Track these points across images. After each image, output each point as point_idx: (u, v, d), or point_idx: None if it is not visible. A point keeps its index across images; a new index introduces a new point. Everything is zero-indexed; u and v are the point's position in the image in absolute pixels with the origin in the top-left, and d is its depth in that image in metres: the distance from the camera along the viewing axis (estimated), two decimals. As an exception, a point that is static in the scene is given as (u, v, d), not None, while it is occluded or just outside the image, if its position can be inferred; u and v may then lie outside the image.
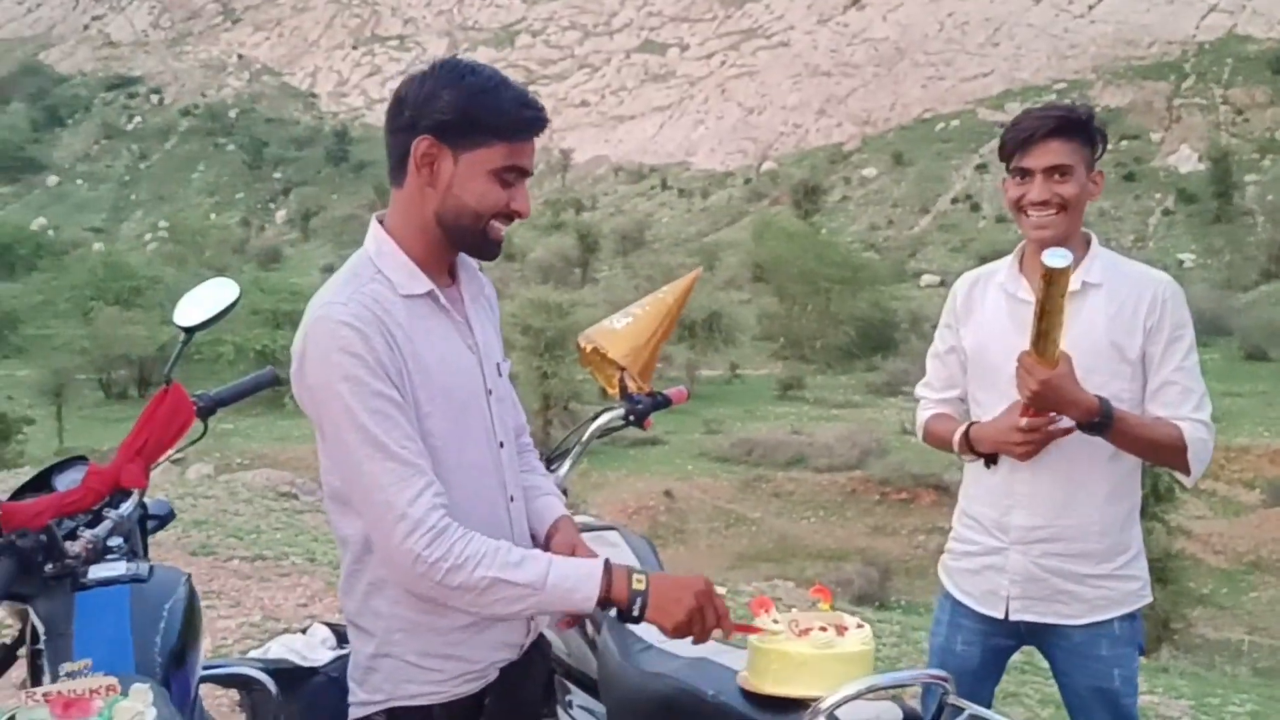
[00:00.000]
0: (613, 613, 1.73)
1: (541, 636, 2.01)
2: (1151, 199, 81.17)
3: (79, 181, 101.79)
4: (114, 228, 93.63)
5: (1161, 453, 2.38)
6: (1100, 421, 2.26)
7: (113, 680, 1.62)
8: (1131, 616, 2.44)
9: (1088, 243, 2.43)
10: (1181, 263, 68.14)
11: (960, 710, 1.84)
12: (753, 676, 1.94)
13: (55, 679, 1.85)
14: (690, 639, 1.75)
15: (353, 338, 1.67)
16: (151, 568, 2.30)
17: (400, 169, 1.77)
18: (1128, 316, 2.36)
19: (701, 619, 1.72)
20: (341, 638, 4.08)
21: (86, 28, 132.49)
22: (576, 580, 1.70)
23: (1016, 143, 2.38)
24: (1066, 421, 2.30)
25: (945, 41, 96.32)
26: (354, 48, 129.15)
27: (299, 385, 1.74)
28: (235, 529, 7.44)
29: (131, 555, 2.33)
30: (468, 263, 1.92)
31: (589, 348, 3.05)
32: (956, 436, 2.49)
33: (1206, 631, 19.28)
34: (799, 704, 1.84)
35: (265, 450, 27.78)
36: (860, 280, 52.72)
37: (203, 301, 2.56)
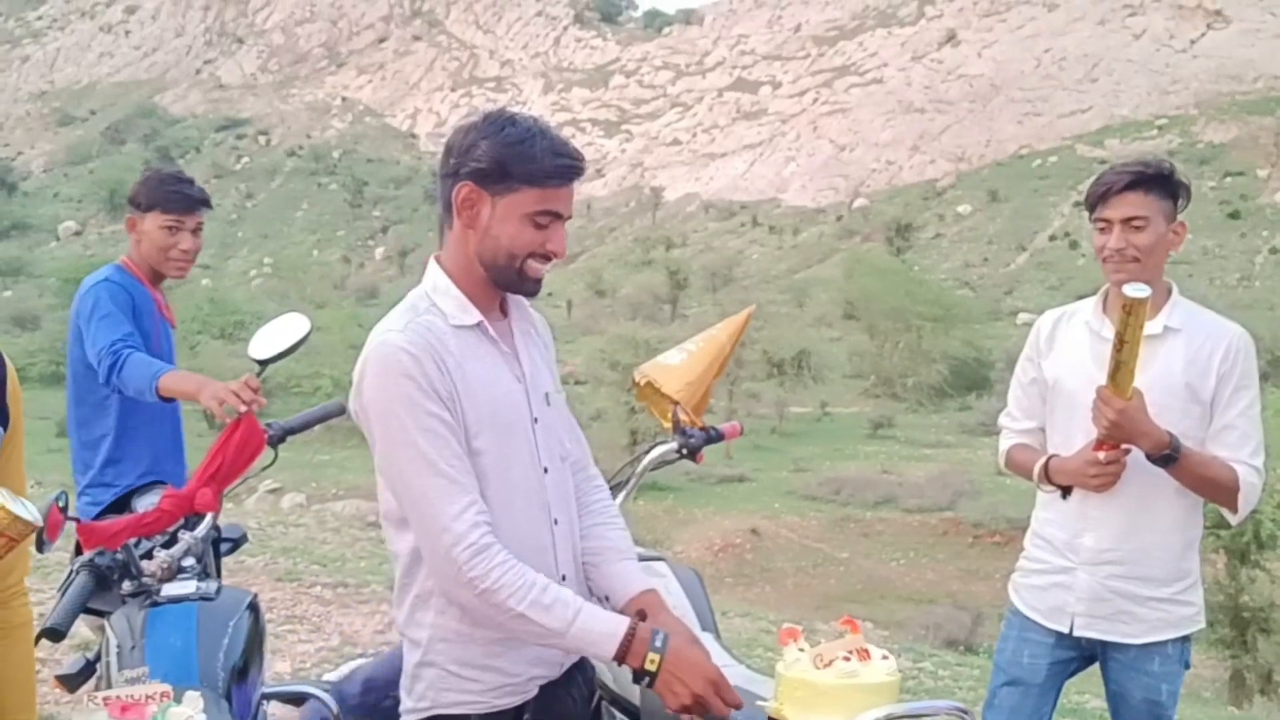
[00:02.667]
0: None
1: (586, 660, 2.08)
2: (1258, 236, 78.56)
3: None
4: (221, 264, 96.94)
5: (1216, 490, 2.54)
6: (1169, 455, 2.43)
7: (166, 687, 1.74)
8: (1185, 638, 2.62)
9: (1169, 291, 2.59)
10: (1290, 302, 65.71)
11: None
12: (779, 705, 1.99)
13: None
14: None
15: (408, 362, 1.82)
16: (220, 587, 2.43)
17: (449, 212, 1.93)
18: (1203, 361, 2.53)
19: (704, 707, 1.79)
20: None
21: (198, 71, 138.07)
22: (599, 637, 1.79)
23: (1096, 195, 2.59)
24: (1135, 451, 2.46)
25: (1042, 77, 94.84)
26: (453, 89, 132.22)
27: (357, 405, 1.90)
28: (321, 556, 7.65)
29: (204, 575, 2.46)
30: (520, 299, 2.05)
31: (644, 382, 3.14)
32: (1037, 468, 2.66)
33: (1315, 687, 18.45)
34: (821, 733, 1.89)
35: (359, 481, 28.34)
36: (953, 318, 51.91)
37: (276, 335, 2.71)
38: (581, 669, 2.06)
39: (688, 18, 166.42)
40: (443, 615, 1.89)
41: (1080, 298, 2.76)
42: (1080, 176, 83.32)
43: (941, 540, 28.95)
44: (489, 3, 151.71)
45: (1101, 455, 2.49)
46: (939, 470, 32.77)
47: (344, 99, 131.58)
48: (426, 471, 1.81)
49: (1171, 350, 2.55)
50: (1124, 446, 2.47)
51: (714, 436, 3.11)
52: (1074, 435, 2.60)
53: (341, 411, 3.12)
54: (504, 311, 2.01)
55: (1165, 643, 2.61)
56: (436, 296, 1.93)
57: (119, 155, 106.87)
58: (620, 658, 1.78)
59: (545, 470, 1.96)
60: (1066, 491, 2.62)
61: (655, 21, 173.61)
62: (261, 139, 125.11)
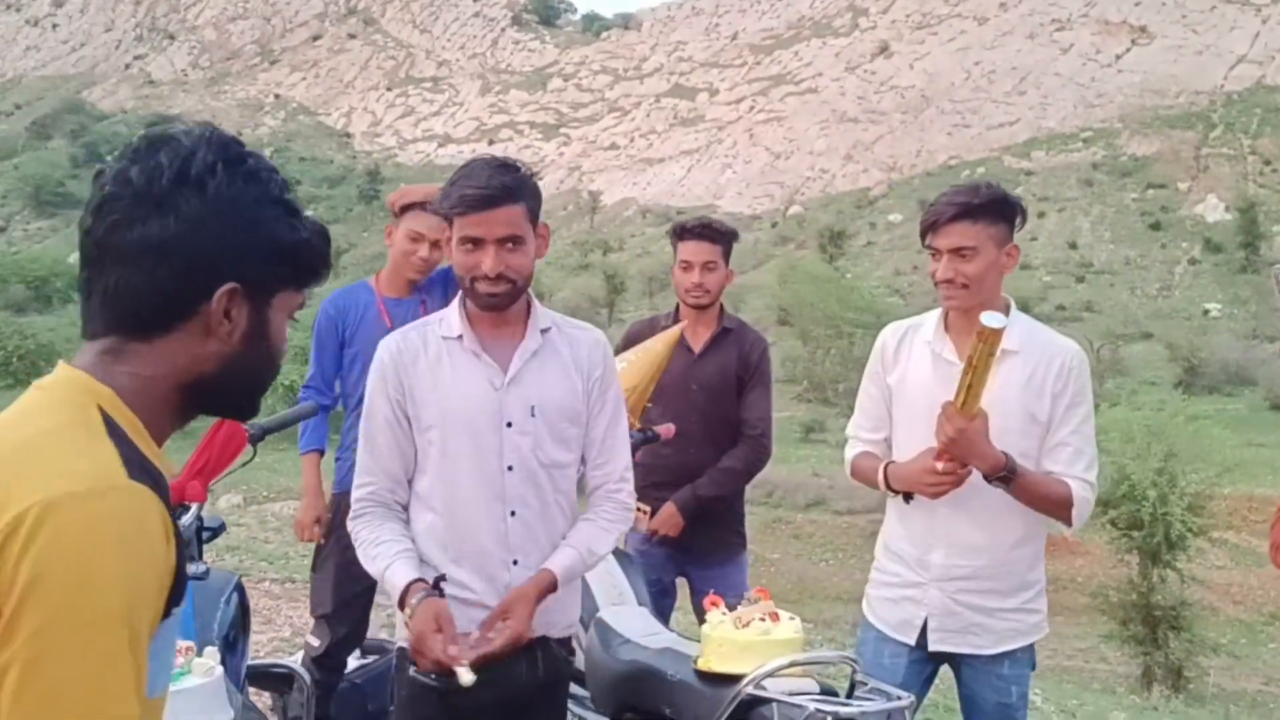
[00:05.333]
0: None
1: (550, 643, 2.34)
2: (1178, 248, 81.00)
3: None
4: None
5: (1052, 506, 2.59)
6: (1004, 476, 2.48)
7: (190, 643, 2.05)
8: (1030, 645, 2.70)
9: (1007, 309, 2.59)
10: (1207, 312, 67.90)
11: (865, 684, 2.25)
12: (705, 659, 2.36)
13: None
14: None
15: (379, 361, 2.31)
16: (208, 569, 2.73)
17: None
18: (1038, 382, 2.57)
19: (426, 647, 2.09)
20: (365, 649, 4.52)
21: (128, 67, 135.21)
22: (392, 588, 2.20)
23: (926, 224, 2.64)
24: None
25: (972, 90, 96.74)
26: (388, 89, 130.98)
27: None
28: (266, 554, 7.87)
29: (192, 559, 2.76)
30: (562, 328, 2.37)
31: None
32: (879, 474, 2.69)
33: (1223, 681, 19.26)
34: (739, 679, 2.26)
35: (290, 484, 28.33)
36: (884, 325, 52.59)
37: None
38: (533, 649, 2.29)
39: (626, 23, 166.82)
40: None
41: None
42: (1009, 187, 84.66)
43: (869, 541, 29.11)
44: (425, 2, 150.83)
45: (940, 465, 2.50)
46: (868, 474, 33.40)
47: (277, 96, 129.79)
48: (363, 445, 2.33)
49: (1010, 371, 2.57)
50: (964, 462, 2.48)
51: (650, 437, 3.46)
52: (915, 446, 2.61)
53: (314, 413, 3.43)
54: (524, 331, 2.31)
55: (1015, 650, 2.65)
56: (446, 311, 2.34)
57: (44, 151, 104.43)
58: (400, 605, 2.18)
59: (510, 469, 2.27)
60: (908, 497, 2.64)
61: (594, 26, 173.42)
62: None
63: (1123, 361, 50.99)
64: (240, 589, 2.76)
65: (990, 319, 2.30)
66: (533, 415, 2.27)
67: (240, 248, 1.21)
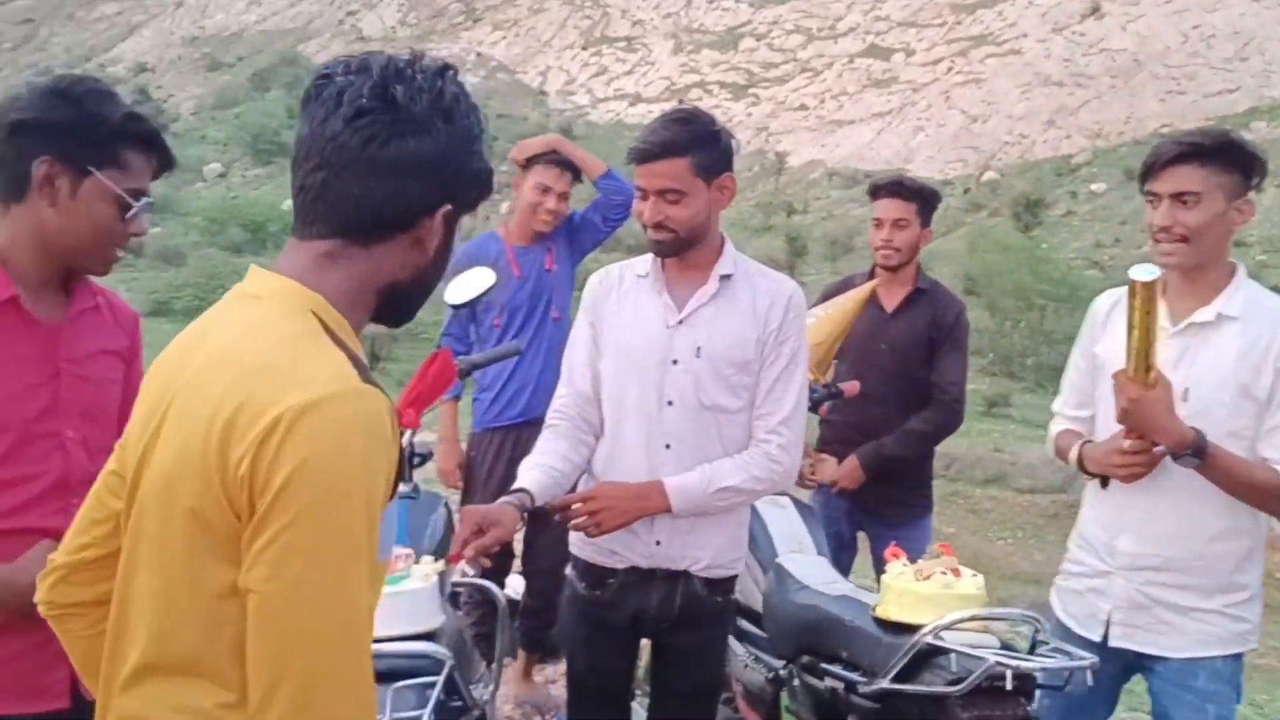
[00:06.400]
0: None
1: (683, 576, 2.51)
2: None
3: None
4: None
5: (1256, 494, 2.32)
6: (1192, 453, 2.23)
7: (410, 551, 2.26)
8: (1236, 656, 2.42)
9: (1232, 274, 2.37)
10: None
11: (1047, 644, 2.27)
12: (883, 607, 2.43)
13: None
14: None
15: (588, 288, 2.58)
16: (417, 488, 2.96)
17: None
18: (1259, 355, 2.30)
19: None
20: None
21: (341, 22, 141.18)
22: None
23: (1145, 166, 2.38)
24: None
25: (1188, 55, 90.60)
26: (583, 48, 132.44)
27: None
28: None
29: (404, 480, 2.99)
30: (751, 279, 2.49)
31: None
32: (1072, 454, 2.54)
33: None
34: (918, 629, 2.32)
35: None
36: (1079, 299, 50.32)
37: (466, 285, 3.22)
38: (672, 580, 2.48)
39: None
40: None
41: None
42: (1226, 158, 79.36)
43: (1051, 522, 28.51)
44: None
45: (1127, 443, 2.32)
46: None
47: (478, 54, 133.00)
48: (564, 364, 2.60)
49: (1225, 339, 2.31)
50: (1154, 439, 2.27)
51: (835, 393, 3.52)
52: (1111, 423, 2.41)
53: (517, 352, 3.64)
54: (706, 276, 2.47)
55: (1213, 658, 2.38)
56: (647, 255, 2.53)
57: (263, 101, 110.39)
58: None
59: (670, 404, 2.41)
60: (1105, 481, 2.47)
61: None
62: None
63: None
64: (447, 508, 2.98)
65: (1140, 271, 2.14)
66: (698, 356, 2.41)
67: (466, 173, 1.37)
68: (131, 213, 1.93)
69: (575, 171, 4.05)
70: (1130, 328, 2.20)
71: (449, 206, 1.37)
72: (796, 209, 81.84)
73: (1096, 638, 2.49)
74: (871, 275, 3.84)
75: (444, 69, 1.37)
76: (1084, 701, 2.53)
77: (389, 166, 1.30)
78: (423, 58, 1.38)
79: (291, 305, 1.29)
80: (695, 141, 2.35)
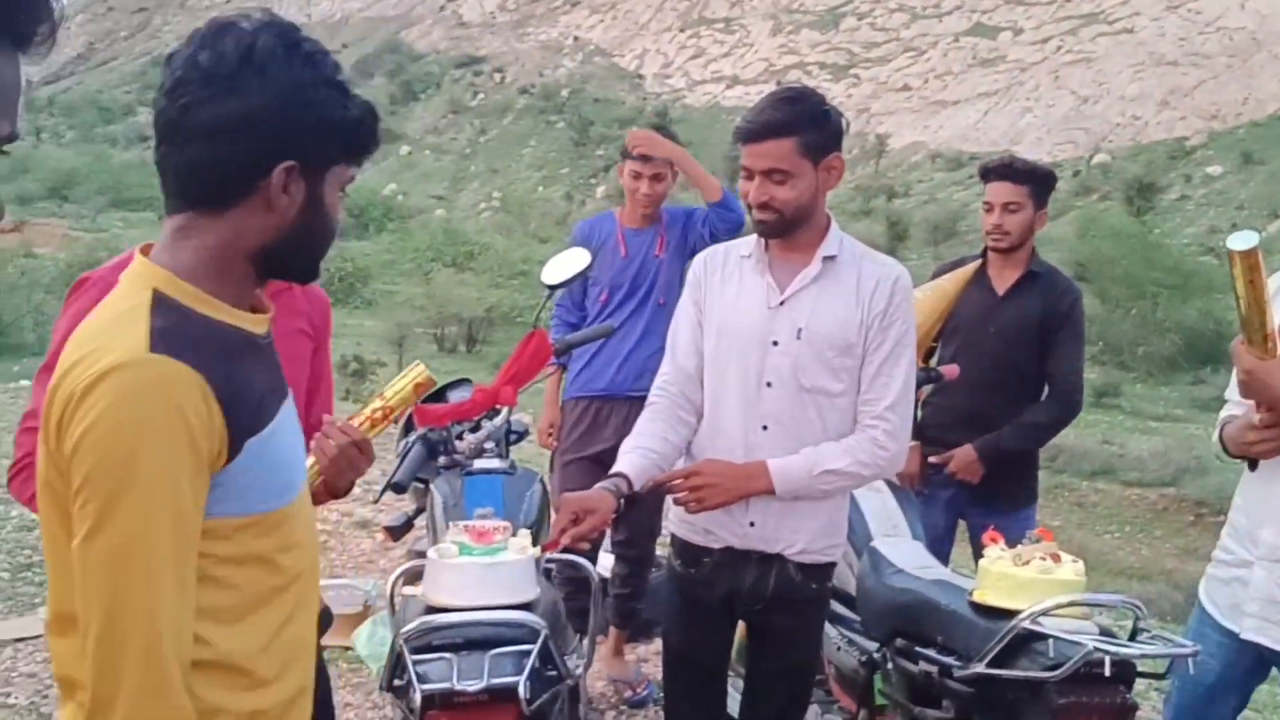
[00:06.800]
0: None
1: (777, 559, 2.50)
2: None
3: (426, 152, 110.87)
4: (454, 196, 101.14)
5: None
6: None
7: (507, 524, 2.30)
8: None
9: None
10: None
11: (1149, 631, 2.22)
12: (981, 592, 2.40)
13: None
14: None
15: (694, 267, 2.59)
16: (514, 464, 3.01)
17: None
18: None
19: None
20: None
21: (442, 9, 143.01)
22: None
23: None
24: None
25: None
26: (681, 30, 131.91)
27: None
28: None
29: (502, 455, 3.05)
30: (857, 261, 2.46)
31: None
32: (1214, 437, 2.41)
33: None
34: (1015, 614, 2.29)
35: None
36: (1193, 287, 48.73)
37: (562, 265, 3.26)
38: (766, 563, 2.48)
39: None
40: None
41: None
42: (1352, 140, 76.07)
43: (1160, 516, 27.74)
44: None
45: (1257, 417, 2.18)
46: (1164, 444, 31.17)
47: (576, 38, 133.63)
48: (668, 343, 2.60)
49: None
50: None
51: (934, 377, 3.47)
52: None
53: (611, 333, 3.67)
54: (810, 258, 2.44)
55: None
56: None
57: (367, 88, 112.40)
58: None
59: (768, 385, 2.41)
60: (1253, 463, 2.33)
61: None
62: (497, 76, 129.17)
63: None
64: (542, 484, 3.03)
65: (1237, 240, 2.02)
66: (798, 338, 2.38)
67: (298, 126, 1.35)
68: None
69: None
70: (1237, 297, 2.10)
71: (290, 162, 1.35)
72: (897, 192, 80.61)
73: (1238, 629, 2.36)
74: (983, 257, 3.76)
75: (264, 26, 1.36)
76: (1212, 692, 2.44)
77: (207, 132, 1.32)
78: (249, 19, 1.38)
79: (133, 284, 1.36)
80: (803, 121, 2.32)
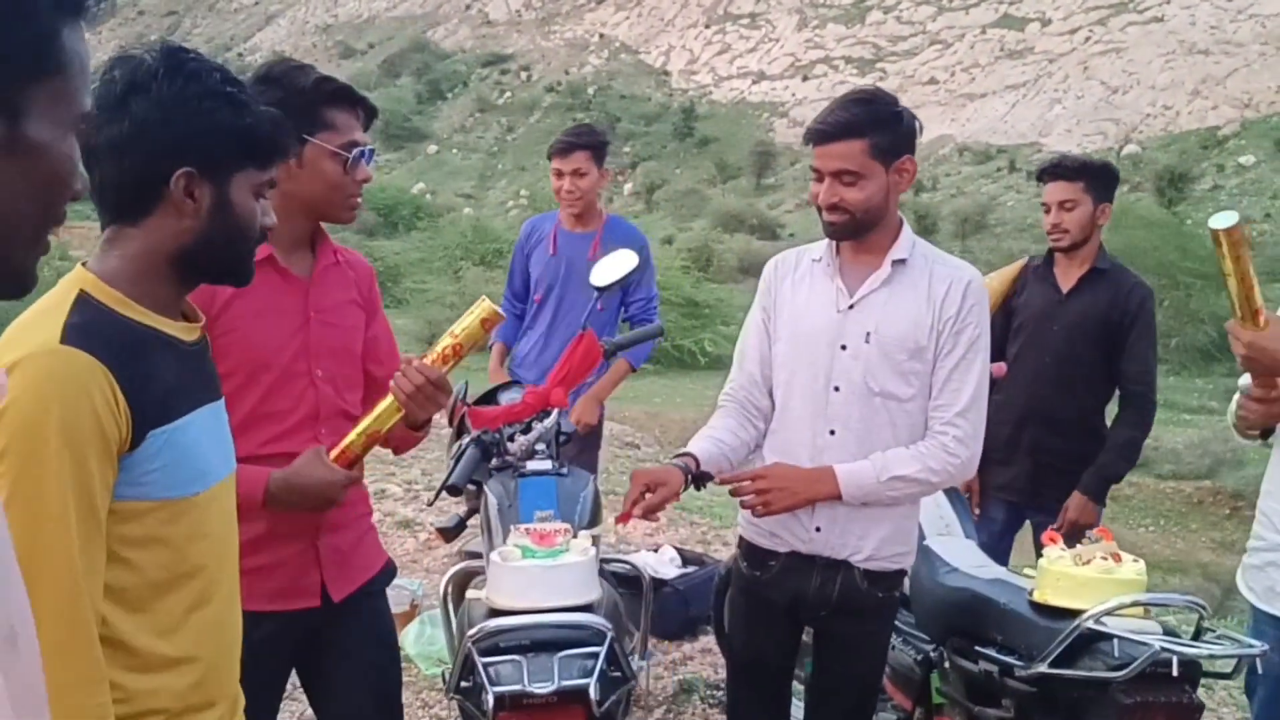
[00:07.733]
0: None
1: (842, 567, 2.50)
2: None
3: (454, 151, 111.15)
4: (481, 194, 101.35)
5: None
6: None
7: (568, 526, 2.32)
8: None
9: None
10: None
11: (1214, 630, 2.20)
12: (1040, 591, 2.39)
13: (506, 536, 2.58)
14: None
15: (765, 272, 2.58)
16: (567, 466, 3.02)
17: None
18: None
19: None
20: (686, 559, 4.80)
21: (468, 7, 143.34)
22: None
23: None
24: None
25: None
26: (706, 26, 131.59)
27: None
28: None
29: (553, 458, 3.06)
30: (928, 264, 2.43)
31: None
32: (1230, 414, 2.40)
33: None
34: (1077, 614, 2.28)
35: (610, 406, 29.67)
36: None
37: (610, 267, 3.27)
38: (832, 569, 2.47)
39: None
40: None
41: None
42: (1391, 126, 74.89)
43: (1196, 509, 27.38)
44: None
45: (1255, 391, 2.17)
46: (1199, 437, 30.72)
47: (601, 35, 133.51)
48: (737, 348, 2.60)
49: None
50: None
51: (982, 375, 3.46)
52: None
53: (660, 333, 3.68)
54: (880, 260, 2.43)
55: None
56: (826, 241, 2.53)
57: (394, 88, 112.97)
58: None
59: (836, 389, 2.40)
60: (1266, 435, 2.31)
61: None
62: (523, 74, 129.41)
63: None
64: (595, 486, 3.04)
65: (1219, 219, 2.02)
66: (867, 341, 2.37)
67: (187, 137, 1.49)
68: (350, 161, 2.17)
69: (590, 149, 4.14)
70: (1224, 275, 2.08)
71: (186, 169, 1.49)
72: (925, 185, 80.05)
73: (1276, 612, 2.32)
74: (1049, 257, 3.73)
75: (151, 51, 1.50)
76: (1275, 680, 2.38)
77: (108, 152, 1.49)
78: (149, 49, 1.52)
79: (64, 287, 1.50)
80: (874, 123, 2.30)
